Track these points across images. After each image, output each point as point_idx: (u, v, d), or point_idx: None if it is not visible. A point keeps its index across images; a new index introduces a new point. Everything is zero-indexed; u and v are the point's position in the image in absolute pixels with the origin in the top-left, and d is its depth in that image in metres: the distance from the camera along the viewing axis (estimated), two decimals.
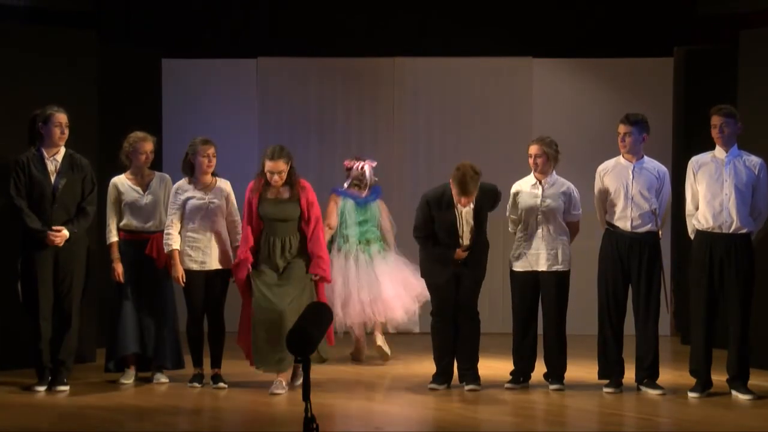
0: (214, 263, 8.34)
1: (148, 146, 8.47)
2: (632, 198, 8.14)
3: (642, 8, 11.54)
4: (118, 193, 8.42)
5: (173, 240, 8.29)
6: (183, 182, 8.42)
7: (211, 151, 8.40)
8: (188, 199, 8.33)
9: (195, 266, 8.32)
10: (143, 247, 8.38)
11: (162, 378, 8.46)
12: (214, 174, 8.45)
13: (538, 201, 8.31)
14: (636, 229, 8.13)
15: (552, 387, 8.23)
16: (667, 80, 11.07)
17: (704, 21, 11.43)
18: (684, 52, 10.92)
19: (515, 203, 8.44)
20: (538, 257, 8.27)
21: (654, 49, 11.23)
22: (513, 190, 8.49)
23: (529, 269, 8.28)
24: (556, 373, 8.29)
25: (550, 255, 8.26)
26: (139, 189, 8.44)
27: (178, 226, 8.31)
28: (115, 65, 10.06)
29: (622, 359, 8.21)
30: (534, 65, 11.38)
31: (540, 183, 8.36)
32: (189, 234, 8.33)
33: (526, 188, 8.41)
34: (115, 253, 8.38)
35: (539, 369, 8.37)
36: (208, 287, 8.33)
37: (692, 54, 10.87)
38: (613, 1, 11.60)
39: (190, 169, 8.40)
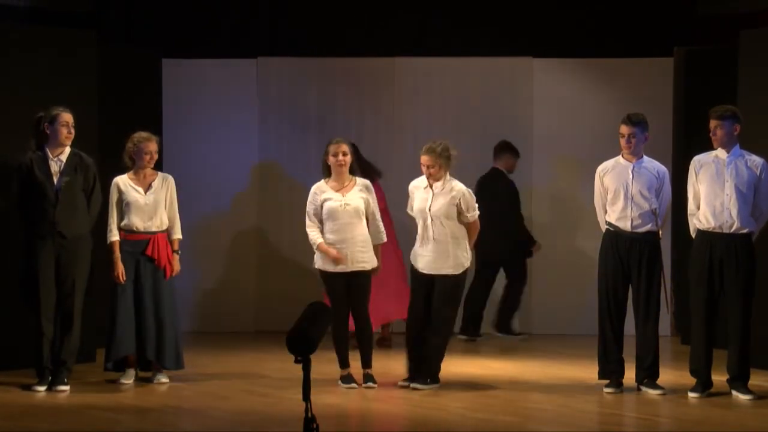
0: (352, 265, 8.33)
1: (153, 146, 8.47)
2: (632, 198, 8.13)
3: (642, 8, 11.54)
4: (120, 193, 8.42)
5: (317, 233, 8.30)
6: (321, 183, 8.43)
7: (343, 148, 8.40)
8: (325, 200, 8.36)
9: (331, 268, 8.34)
10: (144, 247, 8.38)
11: (162, 378, 8.45)
12: (351, 173, 8.46)
13: (427, 205, 8.31)
14: (636, 229, 8.13)
15: (412, 385, 8.23)
16: (667, 80, 11.06)
17: (704, 21, 11.43)
18: (684, 52, 10.92)
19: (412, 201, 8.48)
20: (426, 259, 8.30)
21: (654, 49, 11.23)
22: (410, 187, 8.51)
23: (423, 270, 8.32)
24: (421, 373, 8.28)
25: (438, 258, 8.25)
26: (140, 189, 8.44)
27: (318, 224, 8.35)
28: (115, 65, 10.05)
29: (622, 359, 8.20)
30: (534, 65, 11.38)
31: (431, 187, 8.34)
32: (327, 236, 8.34)
33: (419, 190, 8.44)
34: (116, 253, 8.38)
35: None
36: (350, 287, 8.36)
37: (692, 54, 10.87)
38: (613, 1, 11.60)
39: (327, 170, 8.43)
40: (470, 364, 9.20)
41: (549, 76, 11.34)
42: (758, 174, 7.96)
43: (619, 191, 8.16)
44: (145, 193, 8.43)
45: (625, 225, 8.14)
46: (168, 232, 8.50)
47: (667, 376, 8.54)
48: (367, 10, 11.54)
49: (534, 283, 11.24)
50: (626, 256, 8.13)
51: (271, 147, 11.39)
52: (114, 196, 8.43)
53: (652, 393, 8.06)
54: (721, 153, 8.02)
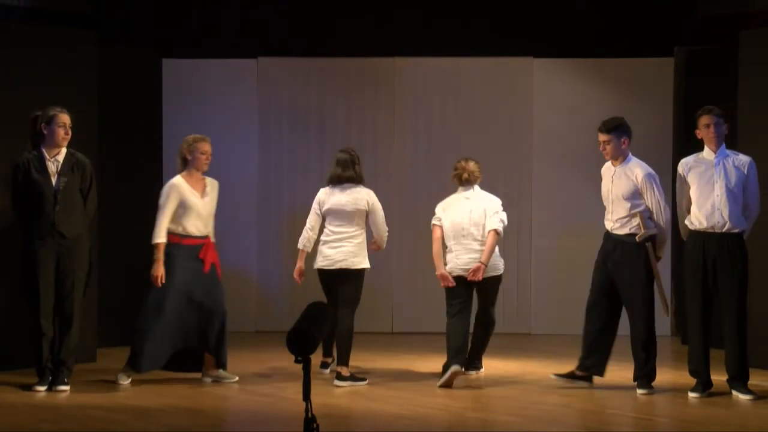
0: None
1: (207, 146, 8.42)
2: (612, 201, 8.19)
3: (642, 8, 11.54)
4: (179, 196, 8.31)
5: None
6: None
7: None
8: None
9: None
10: (198, 251, 8.32)
11: (230, 378, 8.39)
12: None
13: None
14: (616, 231, 8.19)
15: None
16: (668, 80, 11.07)
17: (704, 21, 11.43)
18: (684, 52, 10.93)
19: None
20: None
21: (654, 49, 11.24)
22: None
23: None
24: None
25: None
26: (197, 193, 8.38)
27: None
28: (115, 65, 10.05)
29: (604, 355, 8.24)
30: (534, 65, 11.39)
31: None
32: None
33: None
34: (160, 254, 8.25)
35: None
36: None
37: (692, 54, 10.87)
38: (613, 1, 11.60)
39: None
40: None
41: (549, 76, 11.35)
42: (746, 172, 7.97)
43: (606, 194, 8.25)
44: (202, 197, 8.39)
45: (609, 227, 8.22)
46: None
47: (667, 376, 8.55)
48: (367, 10, 11.55)
49: (534, 283, 11.25)
50: (611, 258, 8.18)
51: (271, 147, 11.40)
52: (172, 199, 8.29)
53: (640, 392, 8.05)
54: (707, 154, 8.02)
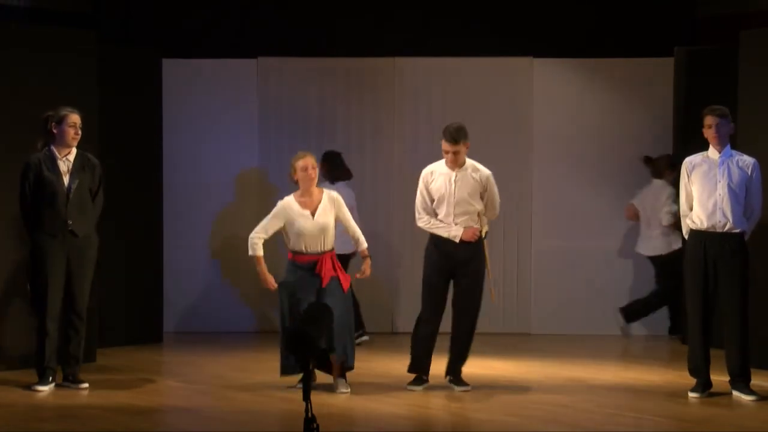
0: None
1: (306, 162, 8.28)
2: (455, 203, 8.28)
3: (642, 8, 11.54)
4: (285, 217, 8.24)
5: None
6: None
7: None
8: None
9: None
10: (313, 266, 8.19)
11: (344, 388, 8.21)
12: None
13: None
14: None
15: None
16: (668, 80, 11.06)
17: (704, 21, 11.43)
18: (684, 52, 10.92)
19: None
20: None
21: (654, 49, 11.23)
22: None
23: None
24: None
25: None
26: (308, 213, 8.23)
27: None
28: (115, 65, 10.04)
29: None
30: (534, 65, 11.38)
31: None
32: None
33: None
34: (261, 266, 8.23)
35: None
36: None
37: (692, 54, 10.87)
38: (613, 1, 11.60)
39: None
40: (470, 364, 9.19)
41: (549, 76, 11.35)
42: (749, 173, 7.98)
43: (442, 197, 8.28)
44: (313, 216, 8.23)
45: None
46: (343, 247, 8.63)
47: (667, 376, 8.55)
48: (367, 10, 11.55)
49: (534, 283, 11.24)
50: (454, 258, 8.27)
51: (271, 147, 11.39)
52: (273, 218, 8.26)
53: (457, 389, 8.14)
54: (712, 153, 8.03)
